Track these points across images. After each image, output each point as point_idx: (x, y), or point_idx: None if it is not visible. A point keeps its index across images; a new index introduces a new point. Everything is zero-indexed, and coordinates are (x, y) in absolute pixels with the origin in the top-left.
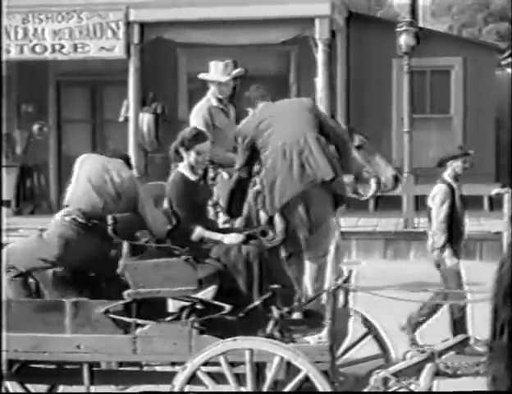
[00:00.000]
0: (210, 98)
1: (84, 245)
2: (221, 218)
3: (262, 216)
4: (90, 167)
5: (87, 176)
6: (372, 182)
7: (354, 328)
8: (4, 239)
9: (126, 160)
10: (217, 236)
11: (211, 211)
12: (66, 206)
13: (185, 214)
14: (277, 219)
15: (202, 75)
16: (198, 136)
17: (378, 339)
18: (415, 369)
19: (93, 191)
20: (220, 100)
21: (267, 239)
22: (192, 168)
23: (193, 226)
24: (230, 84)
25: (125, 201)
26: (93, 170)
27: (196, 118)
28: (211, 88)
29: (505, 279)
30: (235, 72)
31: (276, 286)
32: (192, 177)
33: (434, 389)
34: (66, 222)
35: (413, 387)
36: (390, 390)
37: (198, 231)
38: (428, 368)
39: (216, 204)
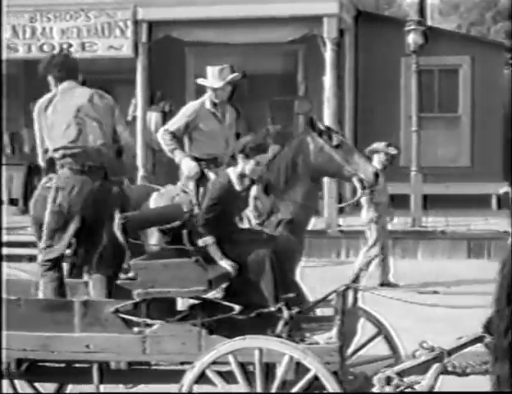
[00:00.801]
0: (205, 100)
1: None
2: None
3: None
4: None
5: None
6: (355, 181)
7: (365, 328)
8: (12, 237)
9: None
10: (220, 260)
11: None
12: None
13: (210, 217)
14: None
15: (199, 81)
16: (261, 146)
17: (389, 339)
18: (422, 368)
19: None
20: (215, 104)
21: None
22: (241, 177)
23: (206, 232)
24: (227, 88)
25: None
26: None
27: (182, 113)
28: (208, 91)
29: (508, 280)
30: (230, 77)
31: (290, 295)
32: (238, 187)
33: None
34: None
35: (417, 387)
36: (394, 389)
37: (206, 240)
38: (435, 367)
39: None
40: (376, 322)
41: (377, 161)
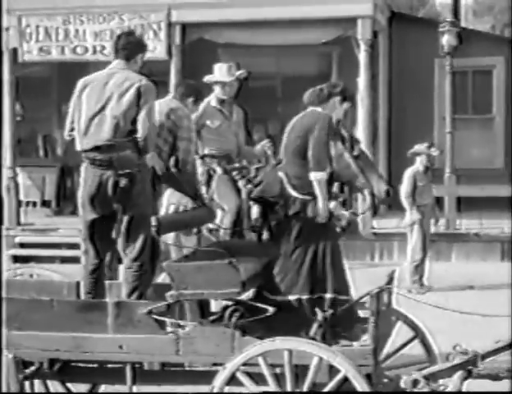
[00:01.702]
0: (211, 99)
1: None
2: (219, 213)
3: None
4: None
5: None
6: (367, 194)
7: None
8: (44, 238)
9: None
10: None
11: None
12: None
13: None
14: None
15: (207, 78)
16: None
17: (425, 343)
18: (452, 372)
19: None
20: (222, 101)
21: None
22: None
23: None
24: (235, 85)
25: None
26: None
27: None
28: (215, 89)
29: None
30: (238, 73)
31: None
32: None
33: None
34: None
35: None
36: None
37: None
38: (459, 374)
39: (211, 200)
40: (412, 325)
41: (419, 163)
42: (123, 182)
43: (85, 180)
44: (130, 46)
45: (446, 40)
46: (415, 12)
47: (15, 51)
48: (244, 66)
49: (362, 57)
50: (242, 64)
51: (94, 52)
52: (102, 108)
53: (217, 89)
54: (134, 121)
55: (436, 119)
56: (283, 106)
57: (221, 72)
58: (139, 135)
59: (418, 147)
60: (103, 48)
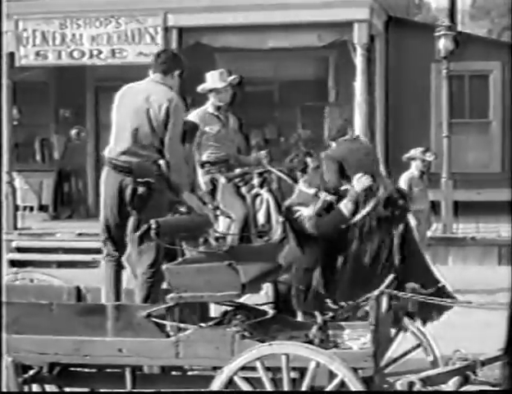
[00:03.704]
0: (208, 107)
1: None
2: (221, 222)
3: (260, 218)
4: None
5: None
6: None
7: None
8: (42, 243)
9: None
10: None
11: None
12: None
13: None
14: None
15: (201, 87)
16: None
17: (428, 350)
18: (450, 376)
19: None
20: (218, 108)
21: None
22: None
23: None
24: (229, 91)
25: None
26: None
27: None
28: (210, 97)
29: None
30: (231, 78)
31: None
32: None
33: None
34: None
35: None
36: None
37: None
38: (455, 379)
39: (216, 208)
40: (417, 331)
41: (415, 167)
42: (141, 190)
43: (106, 184)
44: (168, 61)
45: (443, 44)
46: (412, 17)
47: (11, 55)
48: (241, 72)
49: (358, 61)
50: (239, 69)
51: (91, 56)
52: (131, 118)
53: (212, 97)
54: (158, 136)
55: (433, 123)
56: (280, 111)
57: (213, 79)
58: (168, 158)
59: (413, 152)
60: (100, 52)
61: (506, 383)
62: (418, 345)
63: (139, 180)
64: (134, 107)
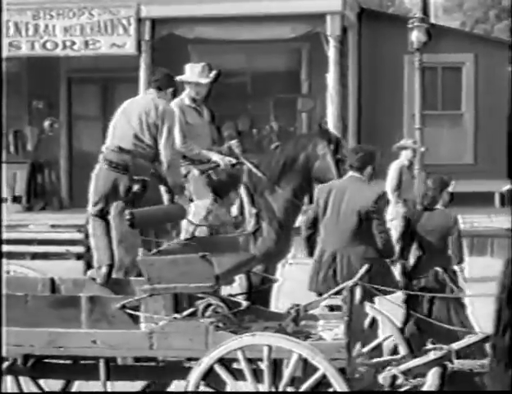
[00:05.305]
0: (184, 98)
1: None
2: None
3: (233, 210)
4: None
5: None
6: None
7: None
8: (14, 234)
9: None
10: None
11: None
12: None
13: None
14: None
15: (183, 78)
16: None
17: (400, 341)
18: (428, 367)
19: None
20: (194, 100)
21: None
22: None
23: None
24: (208, 85)
25: None
26: None
27: None
28: (186, 89)
29: (510, 279)
30: (213, 74)
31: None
32: None
33: None
34: None
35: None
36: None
37: None
38: (435, 370)
39: (190, 200)
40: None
41: (405, 157)
42: (136, 187)
43: (97, 179)
44: (161, 79)
45: (416, 36)
46: (385, 9)
47: None
48: (214, 63)
49: (331, 53)
50: (212, 61)
51: (64, 47)
52: (129, 122)
53: (190, 89)
54: (153, 138)
55: (406, 115)
56: (253, 102)
57: (194, 72)
58: (163, 158)
59: (404, 142)
60: (73, 43)
61: (494, 363)
62: (390, 336)
63: (135, 177)
64: (132, 113)
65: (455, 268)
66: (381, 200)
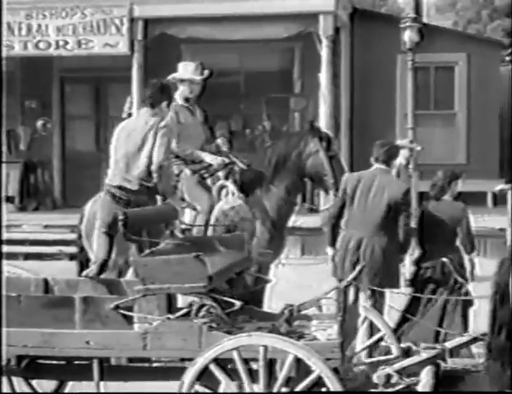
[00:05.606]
0: (176, 98)
1: None
2: (187, 215)
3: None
4: None
5: None
6: (331, 194)
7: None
8: (7, 235)
9: None
10: None
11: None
12: None
13: None
14: None
15: (176, 76)
16: None
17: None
18: (421, 366)
19: None
20: (186, 100)
21: None
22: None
23: None
24: (201, 83)
25: None
26: None
27: None
28: (179, 88)
29: (504, 279)
30: (207, 72)
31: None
32: None
33: None
34: None
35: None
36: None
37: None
38: (428, 368)
39: (182, 199)
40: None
41: (402, 156)
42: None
43: (102, 209)
44: (154, 95)
45: (408, 36)
46: (377, 8)
47: None
48: (207, 63)
49: (324, 52)
50: (204, 60)
51: (57, 47)
52: (127, 151)
53: (183, 88)
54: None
55: (398, 115)
56: (245, 102)
57: (187, 70)
58: (154, 163)
59: (400, 141)
60: (66, 42)
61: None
62: (384, 336)
63: None
64: (129, 143)
65: (466, 259)
66: (409, 194)
